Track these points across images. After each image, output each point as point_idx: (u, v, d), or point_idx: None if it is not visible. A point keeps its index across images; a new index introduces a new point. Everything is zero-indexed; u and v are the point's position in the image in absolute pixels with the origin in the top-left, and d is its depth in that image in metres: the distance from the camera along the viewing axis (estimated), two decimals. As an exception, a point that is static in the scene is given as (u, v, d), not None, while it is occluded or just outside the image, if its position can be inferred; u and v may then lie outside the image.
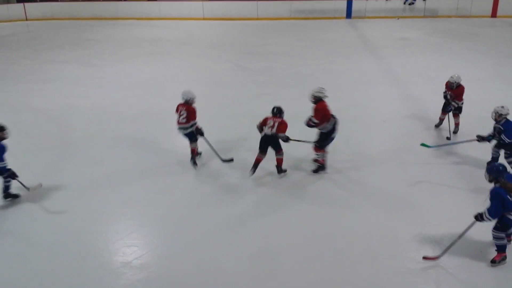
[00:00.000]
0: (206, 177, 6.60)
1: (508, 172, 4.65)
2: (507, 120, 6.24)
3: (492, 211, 4.51)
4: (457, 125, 7.93)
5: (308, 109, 6.47)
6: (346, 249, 4.98)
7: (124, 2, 22.37)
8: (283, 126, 6.23)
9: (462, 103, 7.73)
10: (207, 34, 18.33)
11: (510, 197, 4.47)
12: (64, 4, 22.37)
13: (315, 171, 6.62)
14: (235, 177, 6.52)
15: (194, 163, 6.87)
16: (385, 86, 10.78)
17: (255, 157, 6.41)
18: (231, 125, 8.48)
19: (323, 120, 6.29)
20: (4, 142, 5.66)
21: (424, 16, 20.63)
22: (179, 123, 6.67)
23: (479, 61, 12.82)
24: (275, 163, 6.50)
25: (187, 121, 6.59)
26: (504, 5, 20.24)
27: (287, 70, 12.43)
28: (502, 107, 6.23)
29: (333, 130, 6.40)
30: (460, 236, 4.67)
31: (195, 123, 6.69)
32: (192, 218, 5.59)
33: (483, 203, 4.64)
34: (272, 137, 6.24)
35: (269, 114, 6.32)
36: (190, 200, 6.01)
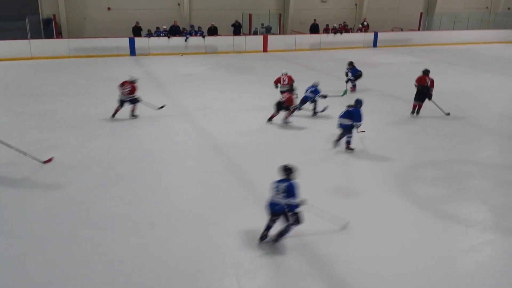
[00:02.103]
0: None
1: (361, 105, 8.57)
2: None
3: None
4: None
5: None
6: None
7: None
8: (290, 100, 10.13)
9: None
10: (-31, 77, 15.78)
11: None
12: None
13: None
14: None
15: (134, 116, 10.72)
16: (177, 120, 10.91)
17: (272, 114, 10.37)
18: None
19: None
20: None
21: (205, 53, 21.90)
22: (124, 94, 10.44)
23: (257, 91, 14.11)
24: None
25: (130, 93, 10.42)
26: (272, 42, 23.06)
27: (72, 111, 11.50)
28: None
29: None
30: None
31: (135, 95, 10.52)
32: None
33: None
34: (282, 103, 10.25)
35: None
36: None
